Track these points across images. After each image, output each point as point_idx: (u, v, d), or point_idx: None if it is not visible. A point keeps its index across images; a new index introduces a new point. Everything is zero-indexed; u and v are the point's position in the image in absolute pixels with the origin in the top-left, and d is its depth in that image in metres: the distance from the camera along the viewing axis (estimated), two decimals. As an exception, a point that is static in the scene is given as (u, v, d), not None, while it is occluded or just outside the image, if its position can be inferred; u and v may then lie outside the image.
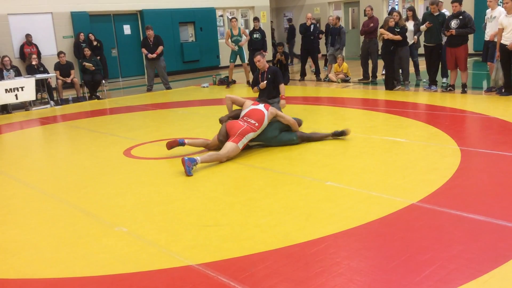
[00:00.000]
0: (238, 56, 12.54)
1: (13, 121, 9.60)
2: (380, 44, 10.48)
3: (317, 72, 12.75)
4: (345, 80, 11.86)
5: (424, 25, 9.40)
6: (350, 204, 3.98)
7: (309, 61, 13.40)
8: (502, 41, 8.26)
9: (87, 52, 11.95)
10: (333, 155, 5.57)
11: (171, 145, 5.84)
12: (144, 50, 12.42)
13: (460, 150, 5.29)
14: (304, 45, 12.48)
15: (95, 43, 13.92)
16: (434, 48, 9.37)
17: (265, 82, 7.18)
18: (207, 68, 17.13)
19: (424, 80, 10.46)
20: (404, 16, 10.64)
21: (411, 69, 10.78)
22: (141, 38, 14.13)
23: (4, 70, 10.71)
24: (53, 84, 11.65)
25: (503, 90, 8.53)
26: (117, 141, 7.05)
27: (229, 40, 12.48)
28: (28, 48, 13.12)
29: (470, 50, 10.59)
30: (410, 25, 10.42)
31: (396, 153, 5.45)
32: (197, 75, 15.99)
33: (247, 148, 5.78)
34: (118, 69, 15.71)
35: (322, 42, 13.18)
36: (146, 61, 12.80)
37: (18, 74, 11.03)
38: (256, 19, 13.12)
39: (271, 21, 19.77)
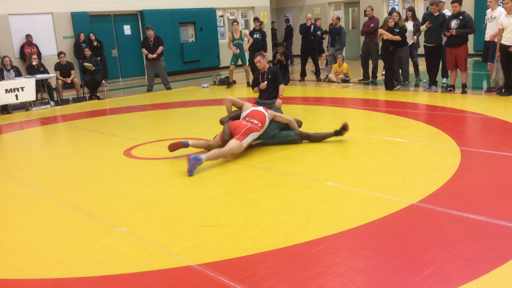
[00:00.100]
0: (240, 59, 12.53)
1: (13, 121, 9.60)
2: (380, 44, 10.48)
3: (317, 72, 12.76)
4: (345, 80, 11.86)
5: (424, 25, 9.41)
6: (350, 204, 3.99)
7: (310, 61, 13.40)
8: (502, 42, 8.26)
9: (87, 52, 11.96)
10: (333, 155, 5.57)
11: (175, 147, 5.77)
12: (144, 50, 12.42)
13: (460, 150, 5.29)
14: (304, 45, 12.48)
15: (95, 43, 13.92)
16: (434, 48, 9.37)
17: (265, 82, 7.18)
18: (207, 68, 17.13)
19: (424, 80, 10.46)
20: (403, 17, 10.64)
21: (411, 69, 10.78)
22: (141, 38, 14.13)
23: (5, 71, 10.71)
24: (53, 85, 11.65)
25: (503, 91, 8.53)
26: (117, 141, 7.05)
27: (231, 44, 12.48)
28: (28, 48, 13.12)
29: (470, 50, 10.61)
30: (409, 25, 10.42)
31: (396, 153, 5.45)
32: (197, 76, 16.00)
33: (248, 147, 5.78)
34: (118, 69, 15.71)
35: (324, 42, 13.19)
36: (146, 61, 12.81)
37: (18, 74, 11.03)
38: (256, 19, 13.13)
39: (273, 21, 19.77)
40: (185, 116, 8.89)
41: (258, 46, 12.23)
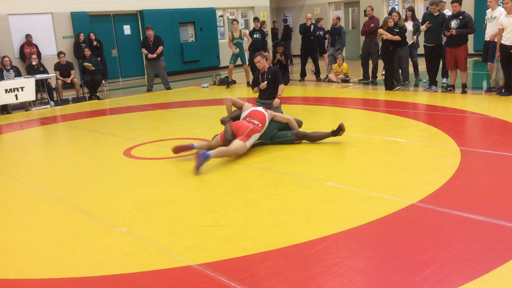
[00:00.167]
0: (240, 58, 12.53)
1: (13, 121, 9.60)
2: (380, 44, 10.48)
3: (317, 73, 12.76)
4: (345, 80, 11.86)
5: (424, 25, 9.41)
6: (350, 204, 3.99)
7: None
8: (502, 41, 8.26)
9: (87, 52, 11.95)
10: (333, 155, 5.58)
11: (181, 150, 5.68)
12: (144, 50, 12.42)
13: (460, 150, 5.29)
14: (304, 45, 12.48)
15: (95, 43, 13.92)
16: (434, 48, 9.37)
17: (265, 82, 7.18)
18: (207, 68, 17.13)
19: (424, 80, 10.46)
20: (403, 16, 10.64)
21: (411, 69, 10.78)
22: (141, 38, 14.13)
23: (4, 70, 10.71)
24: (53, 85, 11.65)
25: (503, 90, 8.53)
26: (117, 141, 7.05)
27: (231, 43, 12.48)
28: (28, 48, 13.12)
29: (470, 50, 10.60)
30: (409, 25, 10.42)
31: (396, 153, 5.45)
32: (197, 75, 15.99)
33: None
34: (118, 69, 15.71)
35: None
36: (146, 61, 12.81)
37: (18, 74, 11.03)
38: (256, 19, 13.13)
39: (275, 21, 19.75)
40: (185, 116, 8.89)
41: (258, 46, 12.23)
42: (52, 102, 11.18)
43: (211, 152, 5.21)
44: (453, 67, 9.05)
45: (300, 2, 20.70)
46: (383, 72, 11.02)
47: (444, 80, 9.79)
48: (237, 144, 5.48)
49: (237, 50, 12.38)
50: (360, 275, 2.85)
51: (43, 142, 7.94)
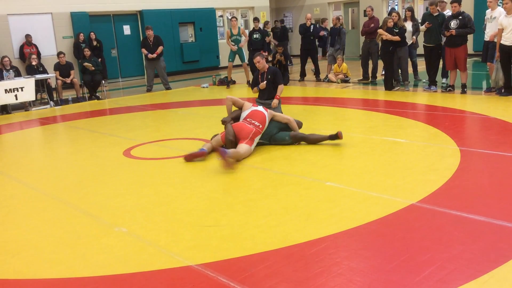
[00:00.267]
0: (237, 55, 12.54)
1: (13, 121, 9.59)
2: (379, 44, 10.48)
3: (316, 73, 12.76)
4: (345, 81, 11.87)
5: (424, 25, 9.41)
6: (350, 204, 3.99)
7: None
8: (501, 42, 8.26)
9: (87, 52, 11.95)
10: (333, 155, 5.58)
11: (194, 157, 5.57)
12: (144, 50, 12.42)
13: (460, 151, 5.30)
14: (304, 45, 12.48)
15: (94, 43, 13.91)
16: (434, 48, 9.38)
17: (264, 82, 7.18)
18: (207, 68, 17.13)
19: (424, 80, 10.46)
20: (402, 17, 10.64)
21: (410, 69, 10.78)
22: (141, 39, 14.13)
23: (4, 71, 10.71)
24: (53, 85, 11.65)
25: (502, 91, 8.53)
26: (117, 141, 7.05)
27: (229, 39, 12.49)
28: (28, 48, 13.12)
29: (470, 50, 10.60)
30: (408, 25, 10.42)
31: (396, 153, 5.45)
32: (197, 76, 16.00)
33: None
34: (118, 70, 15.71)
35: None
36: (146, 61, 12.81)
37: (18, 74, 11.03)
38: (256, 19, 13.13)
39: (276, 21, 19.71)
40: (185, 116, 8.89)
41: (258, 46, 12.24)
42: (52, 102, 11.18)
43: (230, 151, 5.22)
44: (453, 67, 9.06)
45: (300, 2, 20.70)
46: (383, 72, 11.02)
47: (444, 80, 9.79)
48: (245, 148, 5.51)
49: (236, 47, 12.38)
50: (360, 275, 2.85)
51: (43, 142, 7.93)
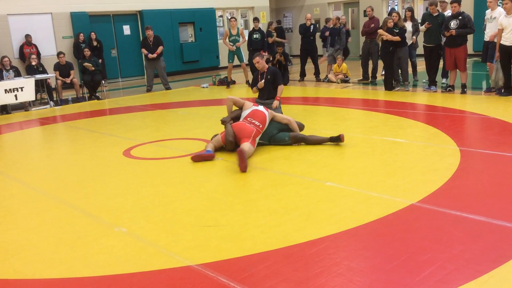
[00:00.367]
0: (236, 56, 12.55)
1: (13, 121, 9.59)
2: (379, 44, 10.48)
3: (316, 73, 12.76)
4: (345, 81, 11.87)
5: (424, 25, 9.41)
6: (350, 204, 3.99)
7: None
8: (501, 42, 8.26)
9: (87, 52, 11.95)
10: (333, 155, 5.57)
11: (202, 159, 5.55)
12: (144, 50, 12.42)
13: (460, 151, 5.30)
14: (304, 45, 12.48)
15: (95, 43, 13.91)
16: (434, 48, 9.38)
17: (262, 81, 7.18)
18: (206, 68, 17.13)
19: (424, 80, 10.46)
20: (402, 17, 10.63)
21: (409, 69, 10.78)
22: (141, 39, 14.13)
23: (4, 71, 10.71)
24: (53, 85, 11.64)
25: (502, 91, 8.53)
26: (116, 141, 7.05)
27: (227, 39, 12.49)
28: (27, 48, 13.11)
29: (470, 50, 10.61)
30: (408, 25, 10.42)
31: (396, 153, 5.45)
32: (197, 76, 15.99)
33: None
34: (118, 70, 15.71)
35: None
36: (145, 61, 12.81)
37: (17, 74, 11.03)
38: (256, 19, 13.13)
39: (278, 20, 19.72)
40: (185, 116, 8.89)
41: (258, 46, 12.23)
42: (51, 102, 11.18)
43: (245, 152, 5.23)
44: (453, 67, 9.06)
45: (299, 2, 20.70)
46: (383, 73, 11.02)
47: (444, 80, 9.80)
48: (250, 147, 5.50)
49: (234, 47, 12.37)
50: (359, 275, 2.85)
51: (43, 142, 7.93)
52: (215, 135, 5.98)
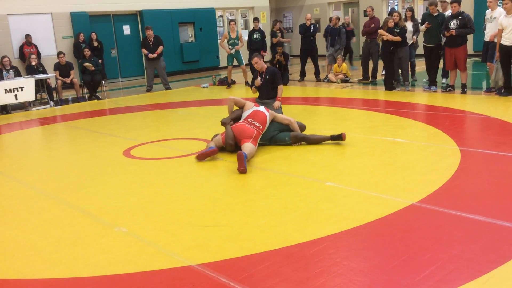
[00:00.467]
0: (236, 59, 12.54)
1: (13, 121, 9.59)
2: (380, 45, 10.47)
3: (316, 73, 12.76)
4: (345, 81, 11.86)
5: (424, 25, 9.41)
6: (350, 204, 3.99)
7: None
8: (501, 42, 8.26)
9: (87, 52, 11.95)
10: (333, 155, 5.57)
11: (207, 156, 5.56)
12: (144, 50, 12.42)
13: (460, 151, 5.30)
14: (304, 45, 12.47)
15: (95, 43, 13.91)
16: (434, 48, 9.38)
17: (258, 78, 7.18)
18: (206, 68, 17.13)
19: (424, 80, 10.46)
20: (403, 17, 10.63)
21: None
22: (141, 39, 14.12)
23: (4, 71, 10.71)
24: (53, 85, 11.64)
25: (502, 91, 8.53)
26: (116, 141, 7.05)
27: (225, 42, 12.48)
28: (27, 48, 13.11)
29: (470, 50, 10.60)
30: (409, 25, 10.42)
31: (396, 153, 5.45)
32: (197, 76, 15.99)
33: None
34: (118, 70, 15.70)
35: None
36: (145, 61, 12.81)
37: (17, 74, 11.02)
38: (256, 19, 13.13)
39: (280, 21, 19.71)
40: (185, 116, 8.89)
41: (258, 46, 12.23)
42: (51, 102, 11.18)
43: (246, 154, 5.22)
44: (453, 67, 9.06)
45: (299, 2, 20.69)
46: (383, 72, 11.02)
47: (444, 80, 9.79)
48: (252, 147, 5.49)
49: (232, 51, 12.36)
50: (360, 275, 2.85)
51: (43, 142, 7.93)
52: (216, 135, 5.98)
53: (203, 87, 12.82)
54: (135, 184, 4.99)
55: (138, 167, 5.64)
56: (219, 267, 3.05)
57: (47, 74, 11.57)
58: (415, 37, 10.57)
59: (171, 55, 15.81)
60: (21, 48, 13.23)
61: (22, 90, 10.42)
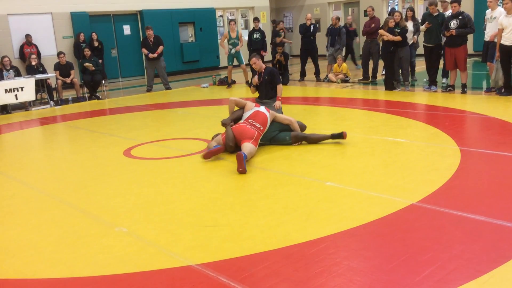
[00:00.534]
0: (236, 59, 12.53)
1: (13, 121, 9.59)
2: (380, 44, 10.47)
3: (316, 73, 12.75)
4: (345, 81, 11.86)
5: (424, 25, 9.41)
6: (350, 204, 3.99)
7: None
8: (502, 42, 8.26)
9: (87, 52, 11.95)
10: (333, 155, 5.57)
11: (213, 154, 5.57)
12: (144, 50, 12.42)
13: (460, 150, 5.29)
14: (304, 45, 12.47)
15: (96, 44, 13.91)
16: (434, 48, 9.38)
17: (255, 77, 7.19)
18: (206, 68, 17.13)
19: (425, 79, 10.46)
20: (403, 16, 10.63)
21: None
22: (141, 38, 14.12)
23: (4, 70, 10.71)
24: (53, 85, 11.65)
25: (502, 90, 8.53)
26: (117, 141, 7.05)
27: (225, 41, 12.48)
28: (28, 48, 13.11)
29: (470, 50, 10.60)
30: (409, 25, 10.42)
31: (396, 153, 5.45)
32: (197, 76, 15.99)
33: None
34: (118, 70, 15.70)
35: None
36: (146, 61, 12.81)
37: (18, 74, 11.03)
38: (256, 19, 13.12)
39: (282, 21, 19.69)
40: (185, 116, 8.89)
41: (258, 46, 12.23)
42: (52, 102, 11.18)
43: (246, 154, 5.22)
44: (453, 67, 9.06)
45: (300, 2, 20.69)
46: (383, 72, 11.01)
47: (444, 80, 9.79)
48: (252, 147, 5.49)
49: (233, 51, 12.36)
50: (360, 275, 2.85)
51: (43, 142, 7.93)
52: (216, 135, 5.98)
53: (203, 87, 12.82)
54: (135, 184, 4.99)
55: (138, 167, 5.64)
56: (219, 267, 3.05)
57: (47, 74, 11.57)
58: (415, 37, 10.57)
59: (171, 55, 15.80)
60: (21, 48, 13.23)
61: (22, 90, 10.43)
